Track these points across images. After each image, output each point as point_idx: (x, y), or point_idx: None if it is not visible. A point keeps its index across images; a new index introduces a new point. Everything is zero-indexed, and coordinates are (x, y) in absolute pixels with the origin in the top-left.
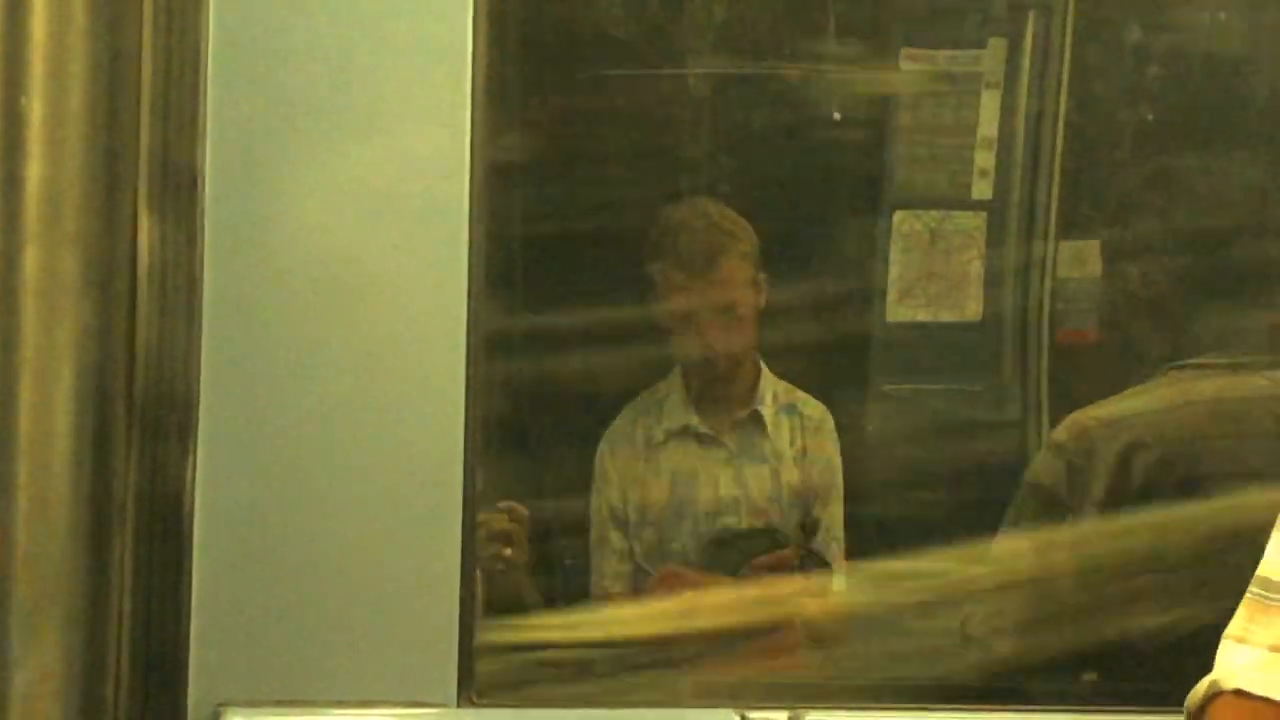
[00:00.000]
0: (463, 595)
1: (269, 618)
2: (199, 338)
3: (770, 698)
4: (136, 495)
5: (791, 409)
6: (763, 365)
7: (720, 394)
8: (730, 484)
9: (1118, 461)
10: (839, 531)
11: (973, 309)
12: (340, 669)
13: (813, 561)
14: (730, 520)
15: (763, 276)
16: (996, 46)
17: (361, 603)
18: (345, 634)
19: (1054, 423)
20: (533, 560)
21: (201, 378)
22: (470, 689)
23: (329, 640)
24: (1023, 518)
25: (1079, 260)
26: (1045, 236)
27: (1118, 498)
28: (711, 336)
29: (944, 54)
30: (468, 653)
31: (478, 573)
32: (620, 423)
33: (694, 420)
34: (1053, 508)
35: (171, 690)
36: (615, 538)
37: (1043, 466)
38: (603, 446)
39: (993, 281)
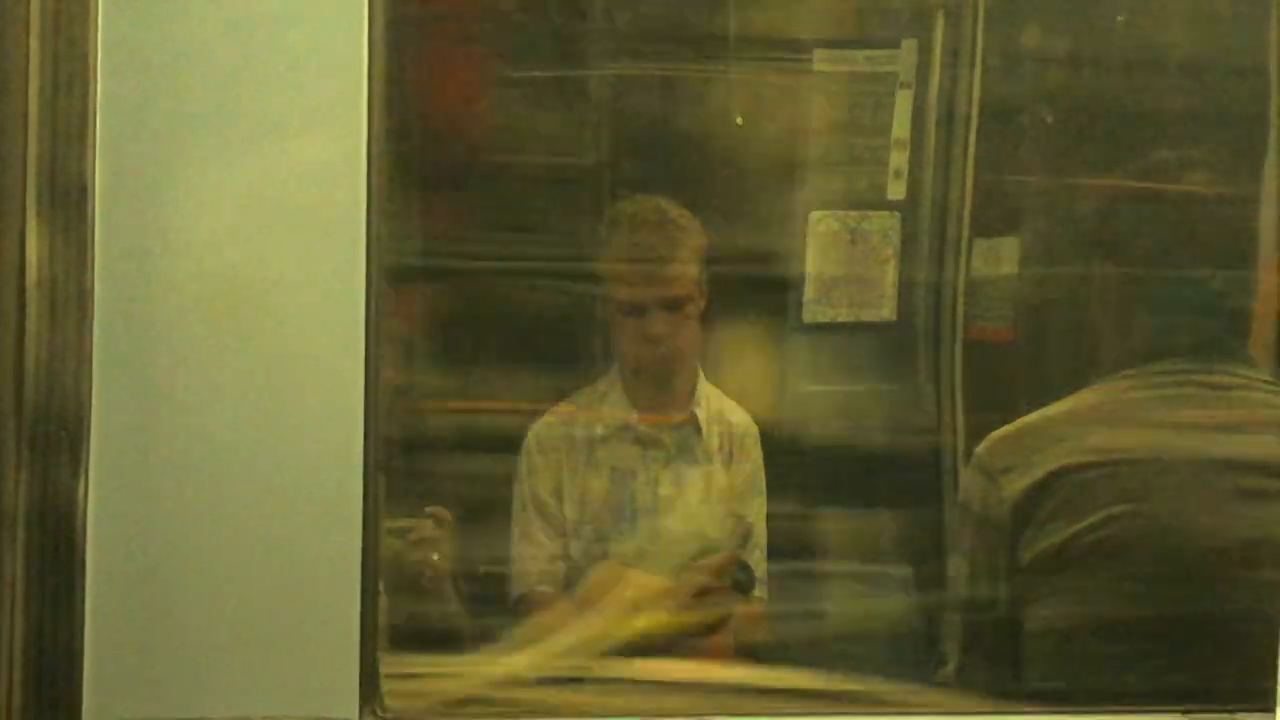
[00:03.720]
0: (364, 609)
1: (164, 634)
2: (90, 352)
3: (692, 706)
4: (26, 512)
5: (721, 415)
6: (700, 370)
7: (661, 395)
8: (668, 485)
9: (1042, 476)
10: (762, 539)
11: (888, 308)
12: (239, 685)
13: (743, 569)
14: (667, 521)
15: (705, 278)
16: (909, 47)
17: (260, 617)
18: (244, 649)
19: (969, 421)
20: (453, 564)
21: (93, 392)
22: (373, 703)
23: (227, 656)
24: (962, 540)
25: (993, 259)
26: (959, 236)
27: (1044, 512)
28: (658, 334)
29: (859, 54)
30: (370, 667)
31: (381, 587)
32: (553, 418)
33: (634, 419)
34: (985, 528)
35: (65, 709)
36: (542, 535)
37: (969, 487)
38: (529, 441)
39: (908, 281)
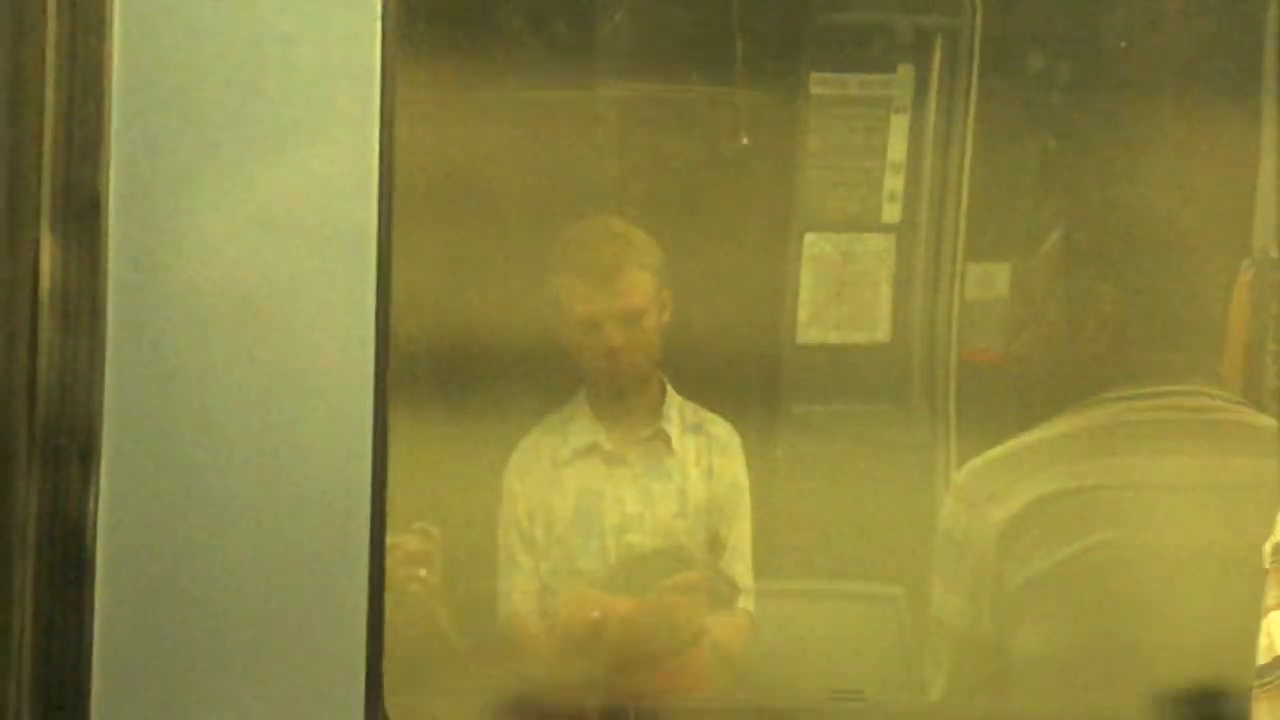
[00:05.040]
0: (370, 623)
1: (172, 647)
2: (102, 362)
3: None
4: (38, 522)
5: (699, 428)
6: (668, 385)
7: (626, 411)
8: (636, 501)
9: (1024, 503)
10: (746, 549)
11: (882, 331)
12: (245, 699)
13: (720, 582)
14: (635, 537)
15: (667, 293)
16: (905, 72)
17: (268, 631)
18: (251, 663)
19: (962, 443)
20: (443, 582)
21: (105, 402)
22: (379, 715)
23: (234, 670)
24: (942, 570)
25: (985, 282)
26: (953, 259)
27: (1024, 538)
28: (614, 346)
29: (854, 78)
30: (375, 681)
31: (386, 598)
32: (528, 442)
33: (600, 438)
34: (966, 554)
35: (74, 718)
36: (523, 557)
37: (950, 516)
38: (510, 467)
39: (901, 303)
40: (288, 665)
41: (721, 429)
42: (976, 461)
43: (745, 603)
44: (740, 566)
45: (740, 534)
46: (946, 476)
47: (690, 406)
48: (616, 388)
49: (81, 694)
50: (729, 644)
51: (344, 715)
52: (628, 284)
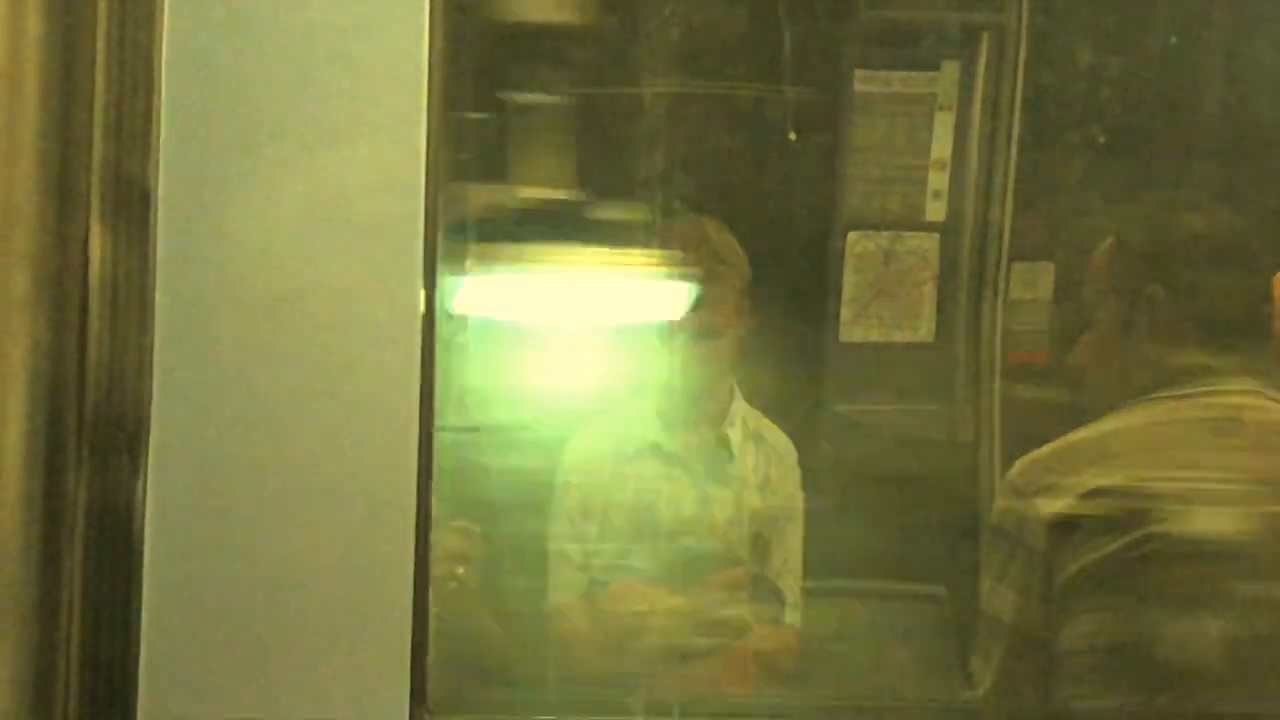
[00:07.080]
0: (415, 612)
1: (219, 636)
2: (150, 354)
3: (719, 715)
4: (86, 513)
5: (760, 438)
6: (737, 391)
7: (692, 413)
8: (693, 503)
9: (1078, 496)
10: (796, 565)
11: (925, 330)
12: (292, 686)
13: (764, 585)
14: (690, 540)
15: (747, 302)
16: (950, 69)
17: (314, 619)
18: (297, 651)
19: (1006, 443)
20: (485, 577)
21: (153, 395)
22: (423, 706)
23: (280, 657)
24: (992, 564)
25: (1031, 282)
26: (998, 258)
27: (1081, 532)
28: (687, 357)
29: (898, 75)
30: (420, 670)
31: (430, 591)
32: (588, 435)
33: (663, 438)
34: (1017, 550)
35: (121, 710)
36: (572, 549)
37: (1002, 510)
38: (566, 458)
39: (946, 303)
40: (333, 654)
41: (781, 440)
42: (1029, 456)
43: (791, 617)
44: (789, 580)
45: (791, 548)
46: (991, 476)
47: (754, 414)
48: (686, 392)
49: (129, 680)
50: (774, 657)
51: (389, 704)
52: (710, 297)
